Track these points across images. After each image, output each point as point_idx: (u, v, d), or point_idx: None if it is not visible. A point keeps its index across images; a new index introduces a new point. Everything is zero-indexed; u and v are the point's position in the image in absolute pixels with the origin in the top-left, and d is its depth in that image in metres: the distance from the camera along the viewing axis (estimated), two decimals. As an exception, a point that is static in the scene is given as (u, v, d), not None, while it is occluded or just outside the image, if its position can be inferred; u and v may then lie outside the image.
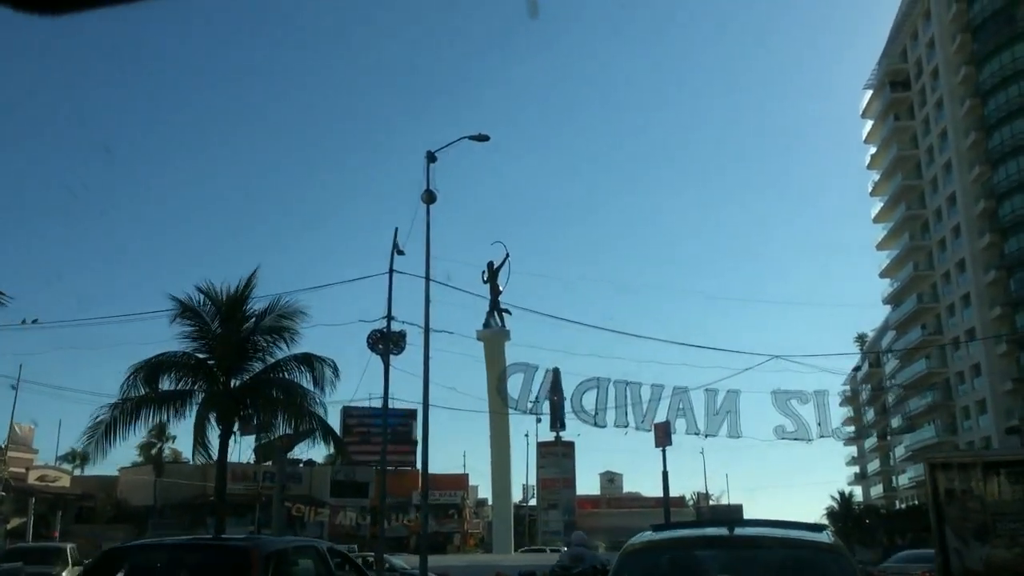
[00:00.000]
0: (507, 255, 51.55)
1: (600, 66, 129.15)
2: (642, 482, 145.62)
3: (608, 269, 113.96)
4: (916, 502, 61.50)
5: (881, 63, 69.92)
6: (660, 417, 29.42)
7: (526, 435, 62.52)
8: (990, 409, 54.92)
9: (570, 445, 63.36)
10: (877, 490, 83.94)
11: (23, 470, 44.96)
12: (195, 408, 17.58)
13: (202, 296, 17.98)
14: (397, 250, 21.94)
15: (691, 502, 73.95)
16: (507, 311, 49.53)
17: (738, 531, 5.63)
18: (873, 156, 72.37)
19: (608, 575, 5.57)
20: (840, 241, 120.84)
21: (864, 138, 74.14)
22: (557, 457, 62.55)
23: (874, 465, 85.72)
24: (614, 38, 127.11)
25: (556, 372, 36.63)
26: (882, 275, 71.07)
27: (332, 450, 28.43)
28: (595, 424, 29.87)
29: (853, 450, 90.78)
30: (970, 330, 56.52)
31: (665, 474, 31.37)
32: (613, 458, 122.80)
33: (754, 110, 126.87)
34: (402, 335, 22.68)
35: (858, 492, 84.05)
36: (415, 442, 52.76)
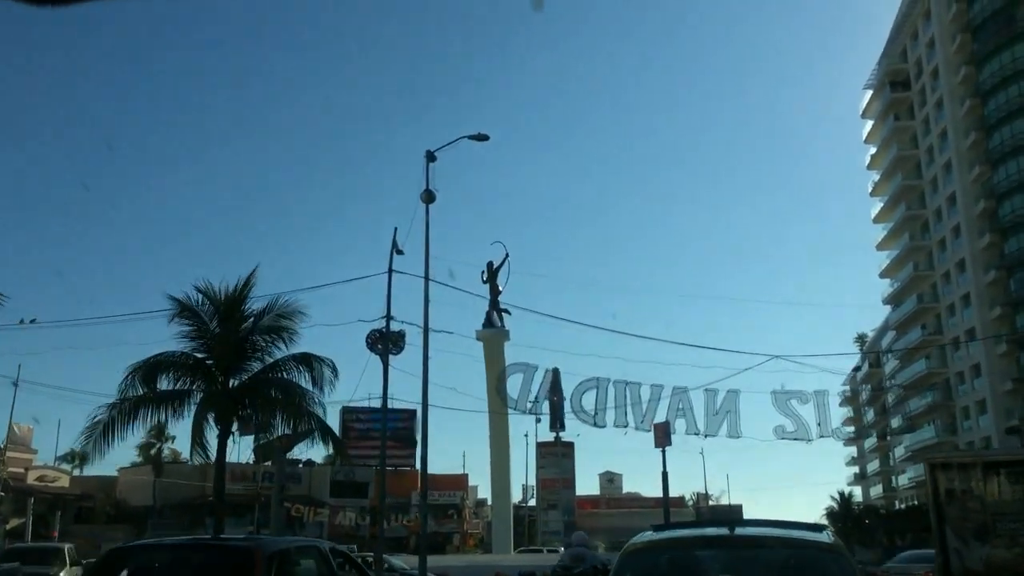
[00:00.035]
0: (506, 255, 51.58)
1: (602, 67, 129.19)
2: (642, 482, 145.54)
3: (608, 269, 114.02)
4: (916, 502, 61.47)
5: (881, 63, 69.90)
6: (660, 417, 29.38)
7: (525, 435, 62.54)
8: (990, 409, 54.89)
9: (570, 445, 63.30)
10: (877, 490, 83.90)
11: (22, 470, 44.93)
12: (193, 408, 17.55)
13: (200, 296, 17.94)
14: (396, 250, 21.91)
15: (691, 502, 73.93)
16: (507, 311, 49.54)
17: (738, 531, 5.62)
18: (873, 156, 72.35)
19: (609, 575, 5.51)
20: (840, 241, 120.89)
21: (864, 138, 74.16)
22: (557, 457, 62.49)
23: (874, 465, 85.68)
24: (617, 39, 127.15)
25: (556, 372, 36.57)
26: (882, 275, 71.05)
27: (331, 450, 28.32)
28: (595, 424, 29.83)
29: (853, 450, 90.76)
30: (970, 330, 56.50)
31: (665, 474, 31.32)
32: (613, 458, 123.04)
33: (754, 111, 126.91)
34: (401, 335, 22.65)
35: (858, 492, 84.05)
36: (415, 442, 52.70)
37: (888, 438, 78.04)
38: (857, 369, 74.02)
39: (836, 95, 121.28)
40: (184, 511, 49.38)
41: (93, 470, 53.67)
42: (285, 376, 18.23)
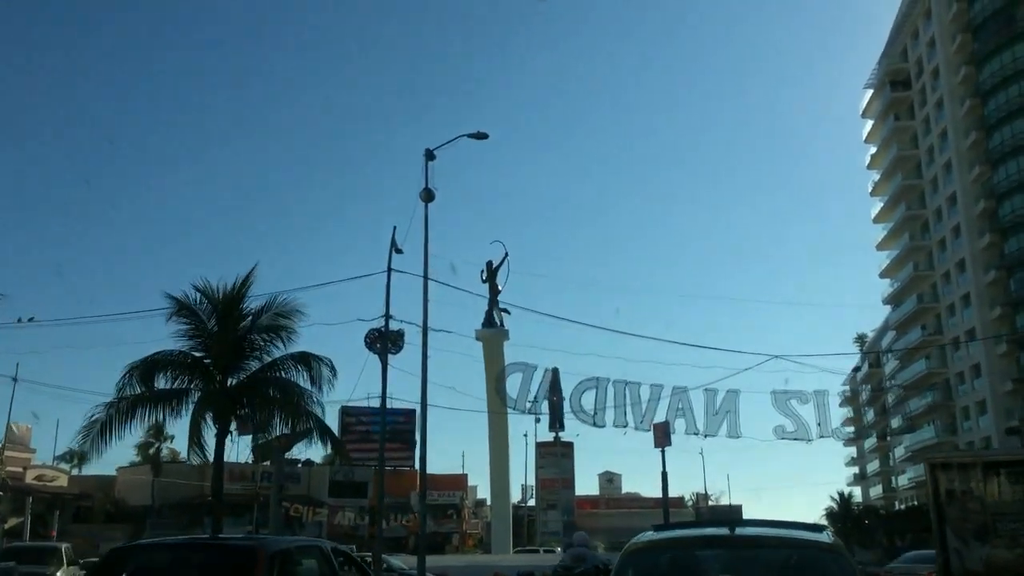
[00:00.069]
0: (506, 254, 51.47)
1: (602, 67, 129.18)
2: (641, 482, 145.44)
3: (608, 269, 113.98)
4: (916, 503, 61.42)
5: (881, 62, 69.83)
6: (659, 417, 29.29)
7: (525, 435, 62.41)
8: (990, 409, 54.83)
9: (569, 445, 63.20)
10: (876, 491, 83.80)
11: (21, 469, 44.82)
12: (191, 407, 17.47)
13: (198, 294, 17.86)
14: (395, 249, 21.86)
15: (690, 503, 73.86)
16: (506, 311, 49.43)
17: (739, 531, 5.62)
18: (873, 156, 72.28)
19: (610, 575, 5.51)
20: (840, 241, 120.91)
21: (864, 138, 74.08)
22: (556, 457, 62.39)
23: (874, 466, 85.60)
24: (617, 39, 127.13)
25: (555, 372, 36.48)
26: (882, 275, 70.98)
27: (330, 450, 28.26)
28: (594, 424, 29.72)
29: (853, 451, 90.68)
30: (970, 330, 56.44)
31: (664, 474, 31.34)
32: (612, 458, 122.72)
33: (754, 111, 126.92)
34: (400, 334, 22.58)
35: (857, 493, 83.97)
36: (414, 442, 52.62)
37: (888, 438, 77.96)
38: (857, 369, 73.95)
39: (836, 95, 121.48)
40: (183, 511, 49.31)
41: (92, 469, 53.67)
42: (283, 375, 18.14)
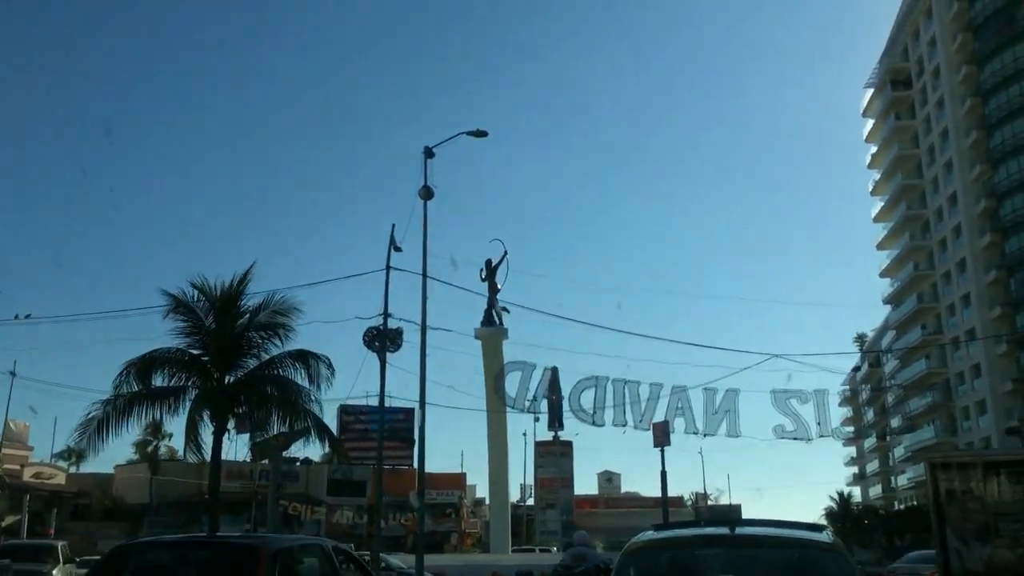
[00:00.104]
0: (505, 253, 51.26)
1: (602, 67, 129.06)
2: (640, 482, 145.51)
3: (607, 268, 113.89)
4: (915, 503, 61.39)
5: (882, 62, 69.75)
6: (659, 416, 29.22)
7: (524, 434, 62.32)
8: (990, 409, 54.77)
9: (568, 445, 63.14)
10: (876, 491, 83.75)
11: (18, 467, 44.78)
12: (189, 405, 17.39)
13: (196, 292, 17.77)
14: (394, 246, 21.81)
15: (689, 502, 73.80)
16: (505, 309, 49.25)
17: (739, 531, 5.63)
18: (874, 155, 72.21)
19: (611, 574, 5.54)
20: (840, 240, 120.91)
21: (865, 137, 74.01)
22: (555, 457, 62.32)
23: (873, 466, 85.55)
24: (616, 39, 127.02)
25: (554, 371, 36.39)
26: (882, 275, 70.92)
27: (327, 448, 28.22)
28: (593, 423, 29.65)
29: (852, 450, 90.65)
30: (970, 330, 56.37)
31: (663, 474, 31.30)
32: (611, 458, 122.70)
33: (754, 110, 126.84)
34: (399, 332, 22.55)
35: (857, 493, 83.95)
36: (413, 441, 52.51)
37: (888, 438, 77.91)
38: (857, 369, 73.87)
39: (837, 94, 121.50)
40: (180, 509, 49.24)
41: (89, 467, 53.57)
42: (281, 373, 18.05)
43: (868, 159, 73.09)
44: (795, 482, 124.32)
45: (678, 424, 29.04)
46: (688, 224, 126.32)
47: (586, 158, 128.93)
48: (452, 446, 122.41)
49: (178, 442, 52.51)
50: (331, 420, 41.22)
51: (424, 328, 20.14)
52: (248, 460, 48.45)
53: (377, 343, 22.19)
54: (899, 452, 72.45)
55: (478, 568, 28.39)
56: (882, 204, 70.72)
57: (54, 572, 18.30)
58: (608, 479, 78.99)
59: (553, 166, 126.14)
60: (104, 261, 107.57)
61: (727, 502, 74.91)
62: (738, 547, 5.34)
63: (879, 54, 70.40)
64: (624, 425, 28.99)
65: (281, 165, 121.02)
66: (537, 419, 53.85)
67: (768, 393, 28.28)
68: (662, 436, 29.84)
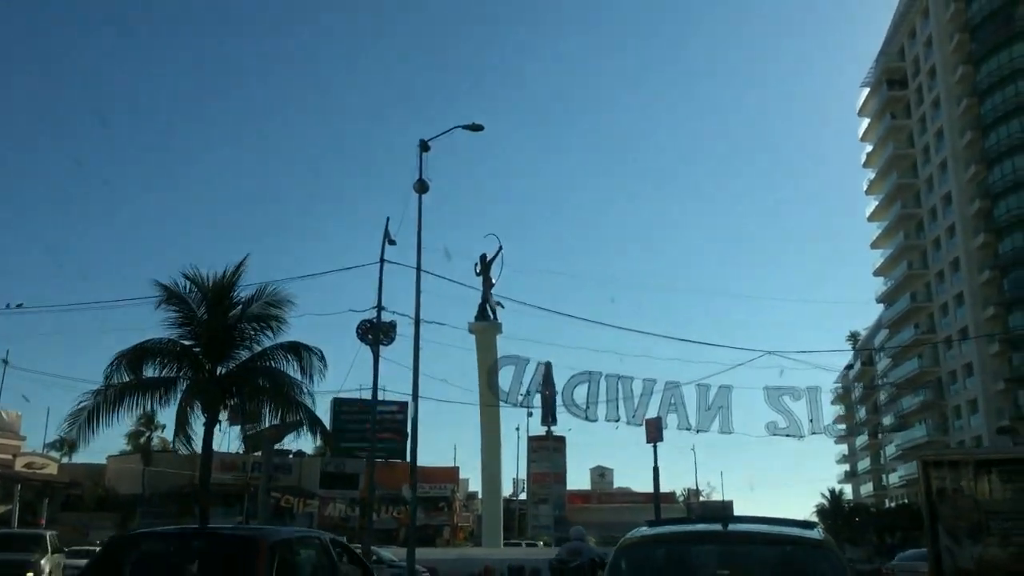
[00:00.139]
0: (500, 247, 51.14)
1: (600, 65, 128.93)
2: (633, 478, 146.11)
3: (602, 264, 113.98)
4: (906, 501, 61.67)
5: (878, 61, 69.79)
6: (652, 412, 29.18)
7: (517, 429, 62.35)
8: (981, 409, 54.99)
9: (561, 440, 63.09)
10: (867, 488, 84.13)
11: (10, 457, 44.57)
12: (180, 396, 17.32)
13: (188, 282, 17.69)
14: (389, 240, 21.75)
15: (682, 498, 73.93)
16: (500, 304, 49.17)
17: (732, 527, 5.69)
18: (869, 154, 72.29)
19: (606, 569, 5.64)
20: (834, 239, 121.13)
21: (860, 136, 74.09)
22: (548, 452, 62.28)
23: (865, 463, 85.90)
24: (616, 38, 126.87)
25: (548, 366, 36.43)
26: (876, 273, 71.10)
27: (319, 441, 28.16)
28: (586, 418, 29.64)
29: (844, 448, 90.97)
30: (963, 329, 56.56)
31: (656, 470, 31.23)
32: (604, 453, 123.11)
33: (750, 107, 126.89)
34: (392, 325, 22.51)
35: (848, 490, 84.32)
36: (405, 434, 52.49)
37: (879, 436, 78.23)
38: (849, 367, 74.10)
39: (833, 93, 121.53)
40: (173, 500, 49.12)
41: (82, 458, 53.44)
42: (273, 365, 17.99)
43: (863, 158, 73.22)
44: (787, 479, 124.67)
45: (671, 420, 29.05)
46: (683, 221, 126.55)
47: (581, 153, 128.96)
48: (445, 440, 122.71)
49: (171, 433, 52.26)
50: (324, 412, 41.21)
51: (418, 321, 20.13)
52: (241, 452, 48.42)
53: (370, 336, 22.14)
54: (890, 450, 72.75)
55: (470, 562, 28.34)
56: (877, 203, 70.87)
57: (42, 562, 18.21)
58: (601, 474, 79.05)
59: (548, 161, 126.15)
60: (98, 252, 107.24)
61: (719, 498, 75.10)
62: (731, 543, 5.40)
63: (875, 53, 70.53)
64: (617, 421, 28.99)
65: (276, 159, 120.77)
66: (530, 414, 53.94)
67: (761, 390, 28.33)
68: (655, 432, 29.80)
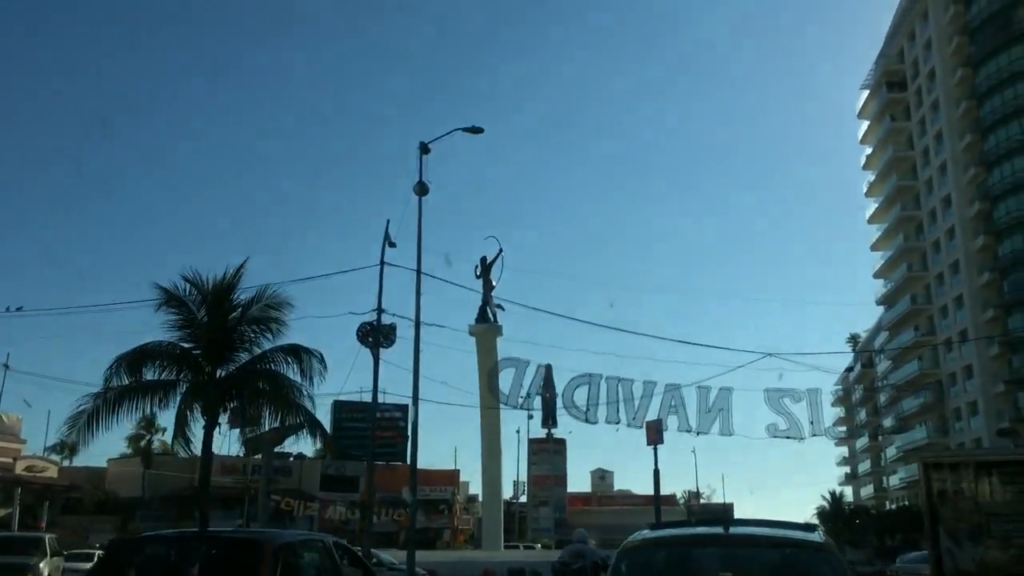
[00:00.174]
0: (500, 250, 51.23)
1: (599, 65, 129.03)
2: (633, 480, 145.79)
3: (602, 266, 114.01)
4: (906, 503, 61.63)
5: (878, 63, 69.83)
6: (652, 414, 29.09)
7: (517, 431, 62.33)
8: (981, 411, 54.97)
9: (562, 442, 63.22)
10: (868, 491, 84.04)
11: (11, 460, 44.54)
12: (180, 399, 17.30)
13: (188, 285, 17.69)
14: (389, 242, 21.74)
15: (682, 500, 73.89)
16: (500, 306, 49.22)
17: (733, 530, 5.74)
18: (869, 157, 72.30)
19: (608, 571, 5.71)
20: (835, 241, 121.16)
21: (860, 139, 74.12)
22: (549, 454, 62.38)
23: (865, 466, 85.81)
24: (615, 38, 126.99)
25: (548, 368, 36.35)
26: (876, 276, 71.08)
27: (318, 444, 28.15)
28: (586, 420, 29.56)
29: (844, 450, 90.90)
30: (963, 332, 56.55)
31: (656, 472, 31.12)
32: (604, 455, 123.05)
33: (750, 109, 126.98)
34: (392, 328, 22.49)
35: (848, 492, 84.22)
36: (406, 437, 52.44)
37: (879, 438, 78.18)
38: (850, 369, 74.04)
39: (832, 95, 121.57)
40: (173, 503, 49.06)
41: (82, 461, 53.38)
42: (273, 367, 17.98)
43: (863, 160, 73.23)
44: (787, 481, 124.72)
45: (671, 422, 28.95)
46: (683, 222, 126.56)
47: (581, 156, 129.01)
48: (446, 443, 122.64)
49: (171, 436, 52.25)
50: (325, 415, 41.16)
51: (418, 324, 20.08)
52: (241, 455, 48.39)
53: (371, 339, 22.12)
54: (891, 452, 72.70)
55: (470, 565, 28.31)
56: (876, 205, 70.88)
57: (41, 565, 18.18)
58: (601, 477, 79.02)
59: (548, 163, 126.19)
60: (99, 255, 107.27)
61: (720, 500, 75.06)
62: (732, 546, 5.44)
63: (875, 56, 70.57)
64: (617, 423, 28.89)
65: (277, 161, 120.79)
66: (531, 416, 54.04)
67: (761, 392, 28.26)
68: (655, 434, 29.71)
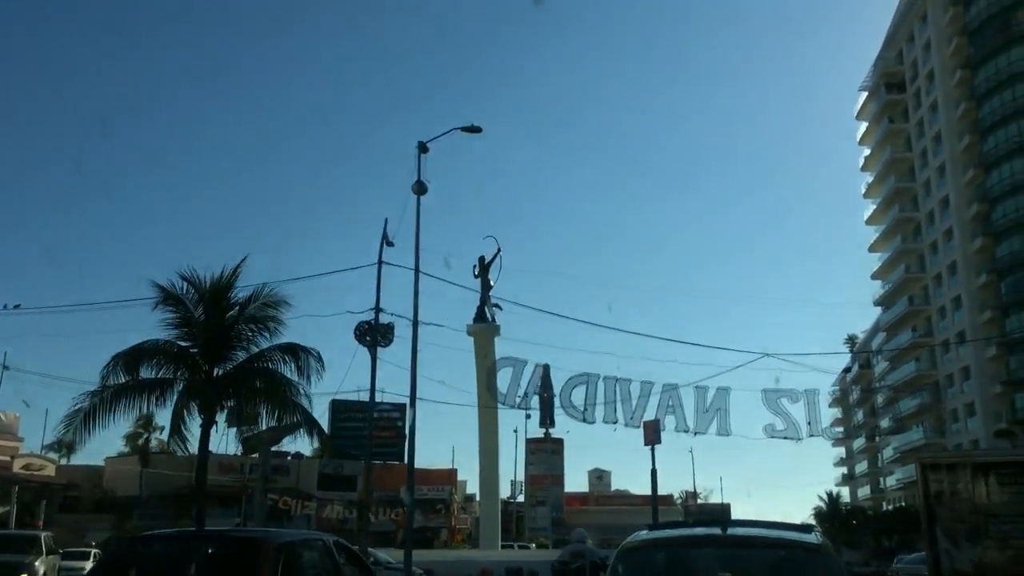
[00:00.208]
0: (499, 249, 51.12)
1: (598, 66, 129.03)
2: (631, 480, 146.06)
3: (600, 266, 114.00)
4: (903, 504, 61.69)
5: (877, 65, 69.90)
6: (649, 414, 29.13)
7: (515, 431, 62.27)
8: (979, 412, 55.04)
9: (559, 442, 63.12)
10: (864, 491, 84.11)
11: (8, 458, 44.47)
12: (177, 397, 17.24)
13: (185, 283, 17.62)
14: (387, 241, 21.74)
15: (679, 501, 73.90)
16: (498, 306, 49.15)
17: (730, 531, 5.78)
18: (867, 158, 72.38)
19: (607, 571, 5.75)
20: (832, 242, 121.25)
21: (858, 140, 74.18)
22: (546, 454, 62.30)
23: (862, 466, 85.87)
24: (614, 38, 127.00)
25: (546, 368, 36.30)
26: (874, 277, 71.19)
27: (316, 443, 28.15)
28: (584, 420, 29.57)
29: (841, 451, 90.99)
30: (960, 333, 56.63)
31: (654, 472, 31.14)
32: (602, 455, 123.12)
33: (749, 110, 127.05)
34: (390, 327, 22.49)
35: (845, 493, 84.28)
36: (403, 436, 52.40)
37: (877, 439, 78.24)
38: (847, 370, 74.10)
39: (831, 96, 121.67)
40: (170, 501, 49.01)
41: (80, 459, 53.33)
42: (270, 366, 17.91)
43: (861, 162, 73.31)
44: (784, 482, 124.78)
45: (669, 422, 28.98)
46: (682, 223, 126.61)
47: (580, 155, 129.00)
48: (443, 442, 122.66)
49: (168, 435, 52.19)
50: (322, 414, 41.09)
51: (416, 323, 20.08)
52: (239, 454, 48.35)
53: (369, 338, 22.12)
54: (888, 453, 72.77)
55: (467, 564, 28.31)
56: (875, 207, 70.96)
57: (36, 563, 18.15)
58: (598, 477, 79.03)
59: (547, 163, 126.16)
60: (97, 253, 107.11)
61: (717, 501, 75.07)
62: (730, 547, 5.48)
63: (873, 57, 70.64)
64: (615, 423, 28.90)
65: (275, 160, 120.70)
66: (528, 416, 53.94)
67: (759, 392, 28.29)
68: (652, 434, 29.73)
